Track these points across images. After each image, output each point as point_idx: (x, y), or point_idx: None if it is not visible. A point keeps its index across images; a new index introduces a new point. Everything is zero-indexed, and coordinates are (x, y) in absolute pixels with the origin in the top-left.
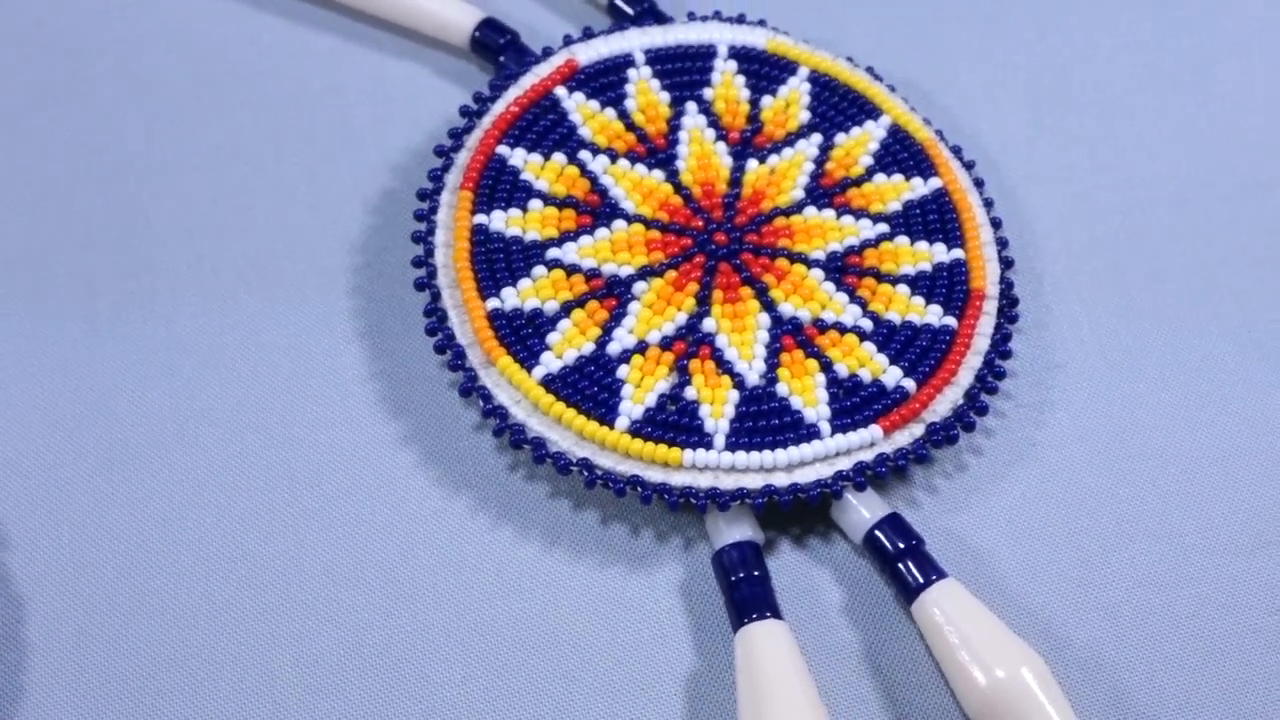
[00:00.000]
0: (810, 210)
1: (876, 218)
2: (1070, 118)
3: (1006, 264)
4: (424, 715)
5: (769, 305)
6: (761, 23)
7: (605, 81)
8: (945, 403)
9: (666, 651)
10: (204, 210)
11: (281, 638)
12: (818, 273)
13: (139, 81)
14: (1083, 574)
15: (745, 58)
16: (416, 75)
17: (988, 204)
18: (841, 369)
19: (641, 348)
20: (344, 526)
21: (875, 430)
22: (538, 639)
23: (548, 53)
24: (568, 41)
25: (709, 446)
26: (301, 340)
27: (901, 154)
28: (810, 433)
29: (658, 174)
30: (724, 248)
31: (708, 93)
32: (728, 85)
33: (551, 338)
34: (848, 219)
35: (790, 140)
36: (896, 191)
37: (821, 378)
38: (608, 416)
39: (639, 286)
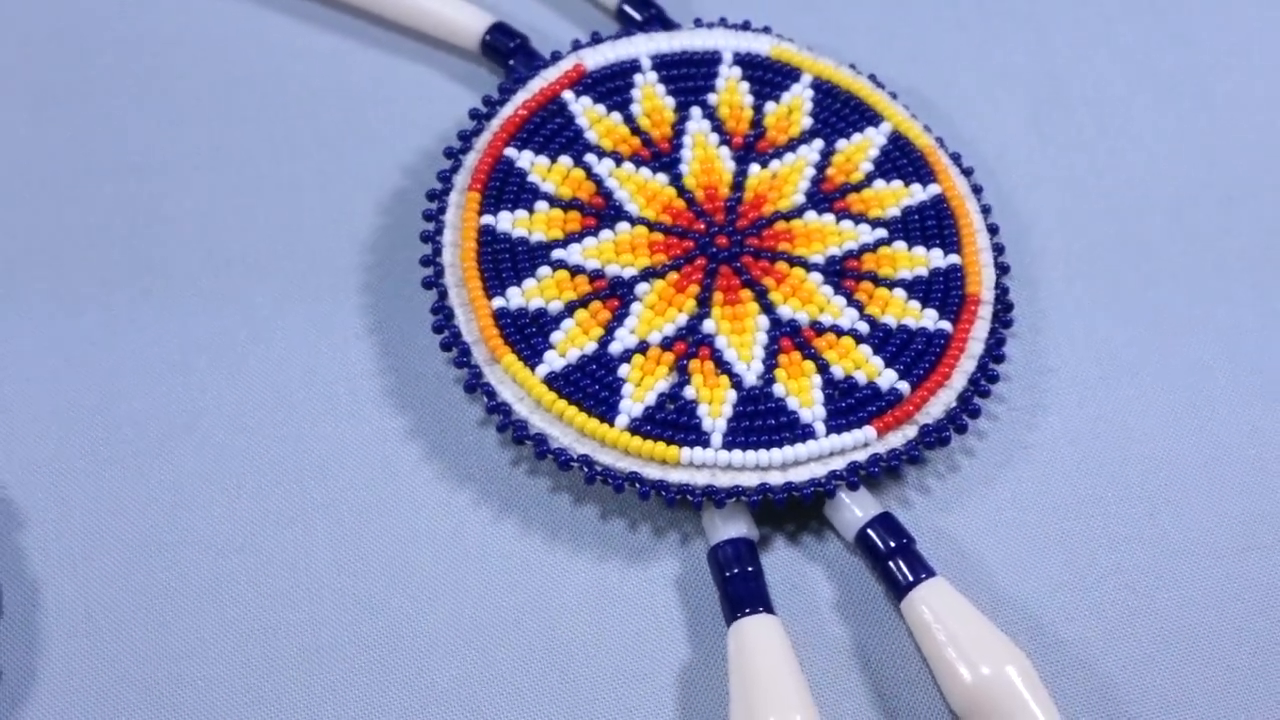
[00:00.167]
0: (810, 215)
1: (875, 223)
2: (1068, 125)
3: (1002, 269)
4: (426, 702)
5: (768, 307)
6: (766, 30)
7: (612, 86)
8: (938, 405)
9: (662, 643)
10: (219, 209)
11: (288, 626)
12: (816, 276)
13: (157, 82)
14: (1071, 574)
15: (749, 64)
16: (427, 78)
17: (985, 210)
18: (837, 371)
19: (643, 348)
20: (350, 517)
21: (869, 431)
22: (537, 628)
23: (556, 57)
24: (576, 46)
25: (706, 445)
26: (311, 336)
27: (901, 160)
28: (806, 433)
29: (661, 177)
30: (725, 250)
31: (712, 98)
32: (732, 91)
33: (555, 337)
34: (847, 224)
35: (792, 145)
36: (895, 197)
37: (818, 379)
38: (608, 414)
39: (641, 288)
